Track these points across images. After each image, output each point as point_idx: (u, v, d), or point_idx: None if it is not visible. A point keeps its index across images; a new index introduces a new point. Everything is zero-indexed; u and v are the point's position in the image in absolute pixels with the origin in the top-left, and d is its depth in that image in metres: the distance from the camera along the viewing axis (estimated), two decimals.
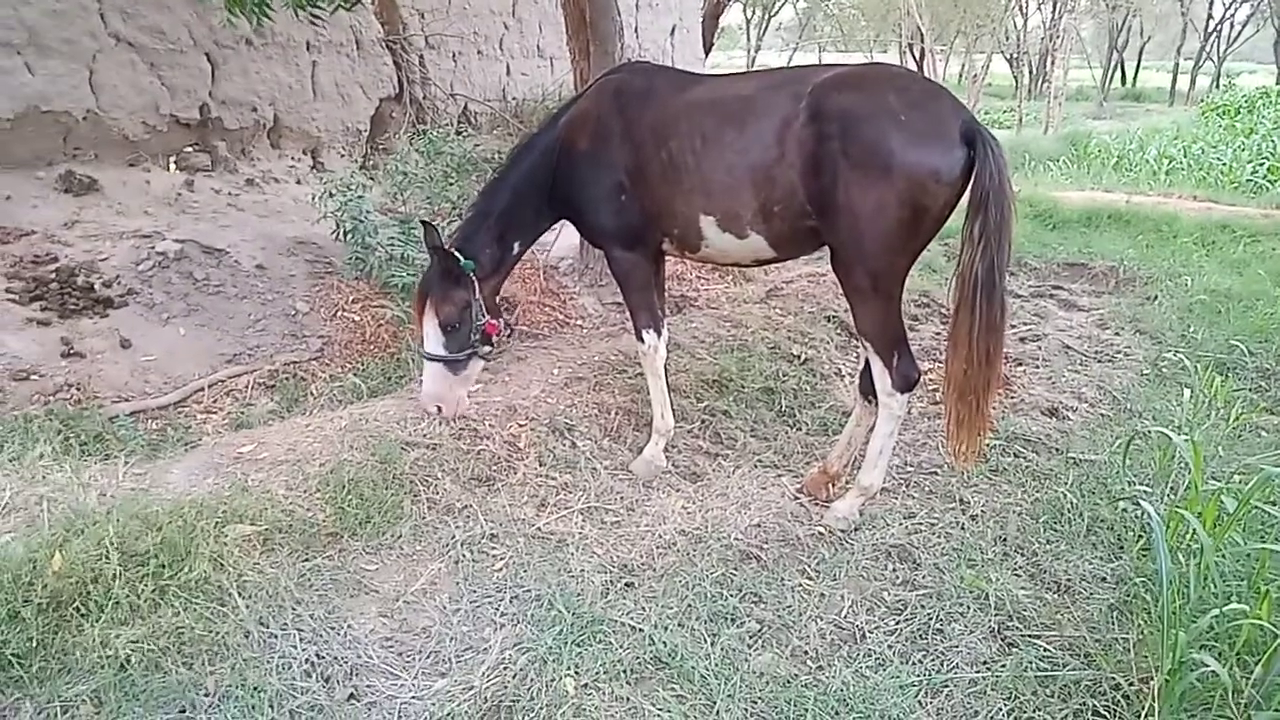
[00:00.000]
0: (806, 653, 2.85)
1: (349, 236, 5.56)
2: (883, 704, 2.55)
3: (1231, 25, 38.44)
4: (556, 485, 3.87)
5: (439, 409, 3.93)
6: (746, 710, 2.58)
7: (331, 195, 5.56)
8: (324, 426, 3.95)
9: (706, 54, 13.36)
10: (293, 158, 7.02)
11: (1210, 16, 37.79)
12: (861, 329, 3.47)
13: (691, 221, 3.63)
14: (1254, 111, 19.31)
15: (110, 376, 4.62)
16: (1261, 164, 12.89)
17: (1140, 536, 3.41)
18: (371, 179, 6.97)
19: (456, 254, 3.82)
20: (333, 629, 2.88)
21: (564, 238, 6.38)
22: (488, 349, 4.02)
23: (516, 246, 4.06)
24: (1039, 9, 30.61)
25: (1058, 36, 25.17)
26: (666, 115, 3.64)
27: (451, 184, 5.98)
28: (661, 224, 3.75)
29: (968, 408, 3.27)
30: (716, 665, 2.74)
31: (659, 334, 4.00)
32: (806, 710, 2.55)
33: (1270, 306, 6.28)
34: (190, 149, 6.41)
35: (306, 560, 3.14)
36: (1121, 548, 3.43)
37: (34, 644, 2.51)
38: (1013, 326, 6.28)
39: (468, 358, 3.92)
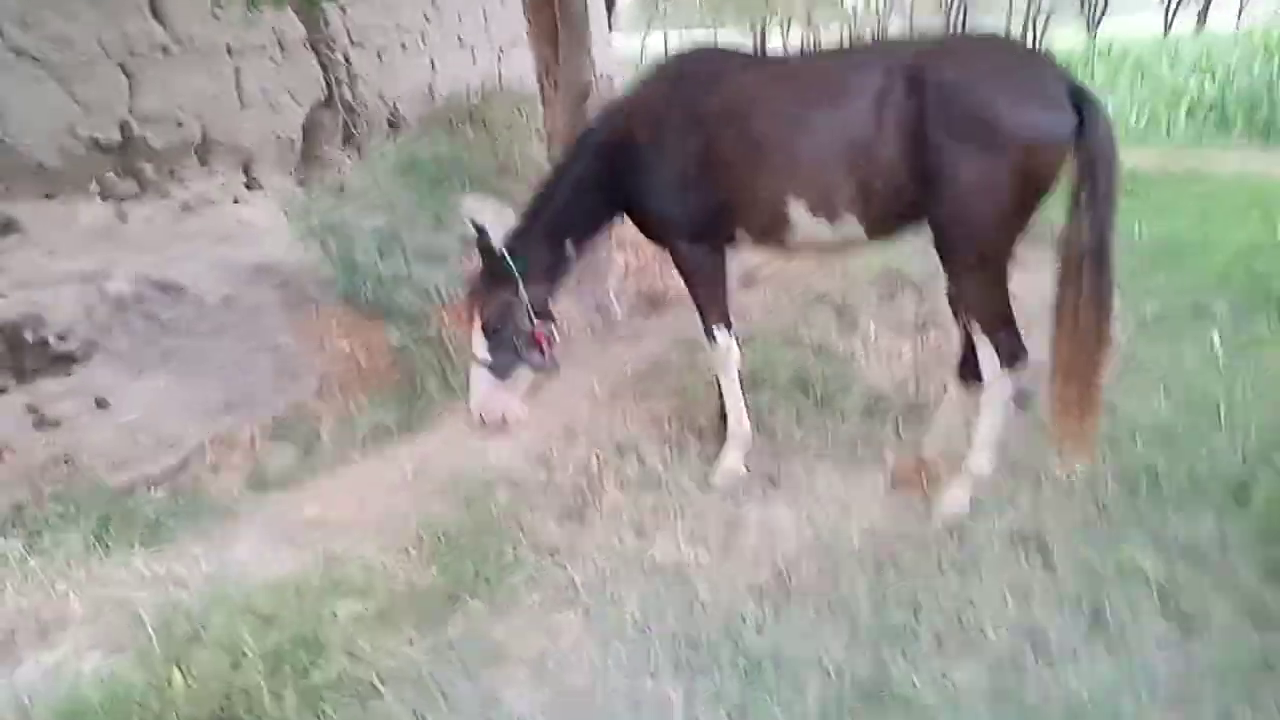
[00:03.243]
0: (1002, 660, 2.71)
1: (334, 256, 5.06)
2: (1121, 706, 2.45)
3: None
4: (646, 508, 3.61)
5: (481, 418, 3.58)
6: None
7: (308, 212, 5.04)
8: (384, 474, 3.57)
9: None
10: (224, 175, 6.34)
11: None
12: (968, 307, 3.35)
13: (777, 207, 3.42)
14: None
15: (94, 443, 4.01)
16: None
17: None
18: (309, 192, 6.42)
19: (503, 254, 3.56)
20: (490, 705, 2.56)
21: None
22: (538, 358, 3.70)
23: (569, 246, 3.77)
24: None
25: None
26: (743, 96, 3.42)
27: (430, 192, 5.54)
28: (739, 213, 3.53)
29: (1075, 391, 3.20)
30: (926, 688, 2.58)
31: (730, 331, 3.79)
32: None
33: None
34: (113, 175, 5.68)
35: (435, 634, 2.79)
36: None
37: None
38: None
39: (511, 364, 3.60)
